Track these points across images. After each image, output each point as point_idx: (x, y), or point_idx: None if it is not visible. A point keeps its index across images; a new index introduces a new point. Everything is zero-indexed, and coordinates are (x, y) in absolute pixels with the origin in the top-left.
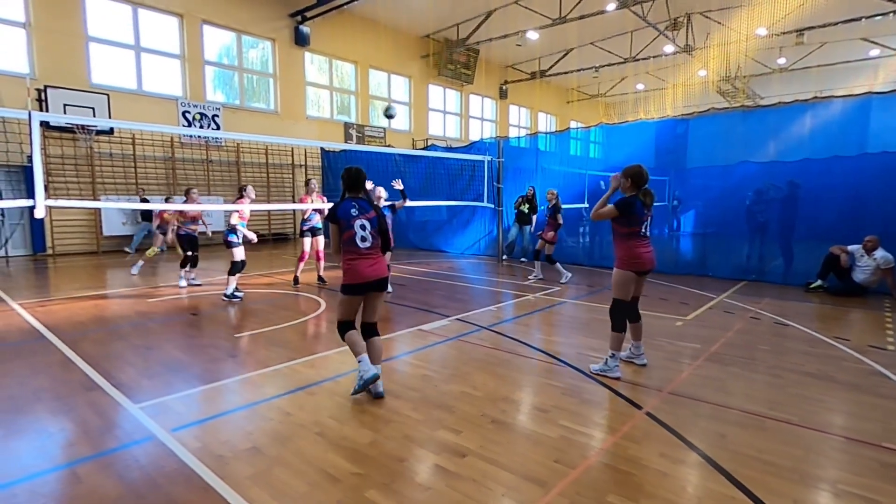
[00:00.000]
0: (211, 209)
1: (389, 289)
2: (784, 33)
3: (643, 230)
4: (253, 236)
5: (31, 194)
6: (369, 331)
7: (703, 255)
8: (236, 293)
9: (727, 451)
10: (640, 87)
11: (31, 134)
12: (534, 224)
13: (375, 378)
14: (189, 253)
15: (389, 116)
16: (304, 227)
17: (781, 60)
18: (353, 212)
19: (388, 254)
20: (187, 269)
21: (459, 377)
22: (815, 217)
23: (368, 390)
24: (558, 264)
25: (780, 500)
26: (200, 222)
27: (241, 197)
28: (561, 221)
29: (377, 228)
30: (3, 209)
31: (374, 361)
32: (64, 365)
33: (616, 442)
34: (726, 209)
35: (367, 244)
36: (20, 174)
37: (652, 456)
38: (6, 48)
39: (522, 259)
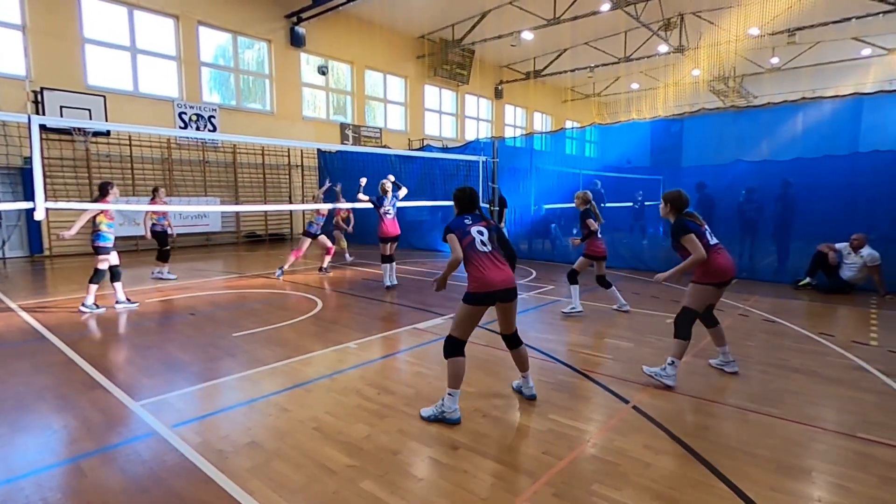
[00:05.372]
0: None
1: (392, 282)
2: (776, 33)
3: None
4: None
5: (28, 196)
6: (513, 341)
7: None
8: (96, 306)
9: (708, 443)
10: (635, 86)
11: (30, 138)
12: (504, 220)
13: (455, 422)
14: (161, 248)
15: (322, 73)
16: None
17: (774, 60)
18: (467, 221)
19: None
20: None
21: None
22: (805, 215)
23: (521, 392)
24: (576, 288)
25: (756, 487)
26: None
27: (106, 195)
28: (593, 228)
29: (495, 236)
30: (0, 211)
31: (523, 369)
32: (65, 364)
33: (603, 434)
34: (719, 208)
35: (488, 248)
36: (17, 176)
37: (636, 447)
38: (3, 51)
39: None
